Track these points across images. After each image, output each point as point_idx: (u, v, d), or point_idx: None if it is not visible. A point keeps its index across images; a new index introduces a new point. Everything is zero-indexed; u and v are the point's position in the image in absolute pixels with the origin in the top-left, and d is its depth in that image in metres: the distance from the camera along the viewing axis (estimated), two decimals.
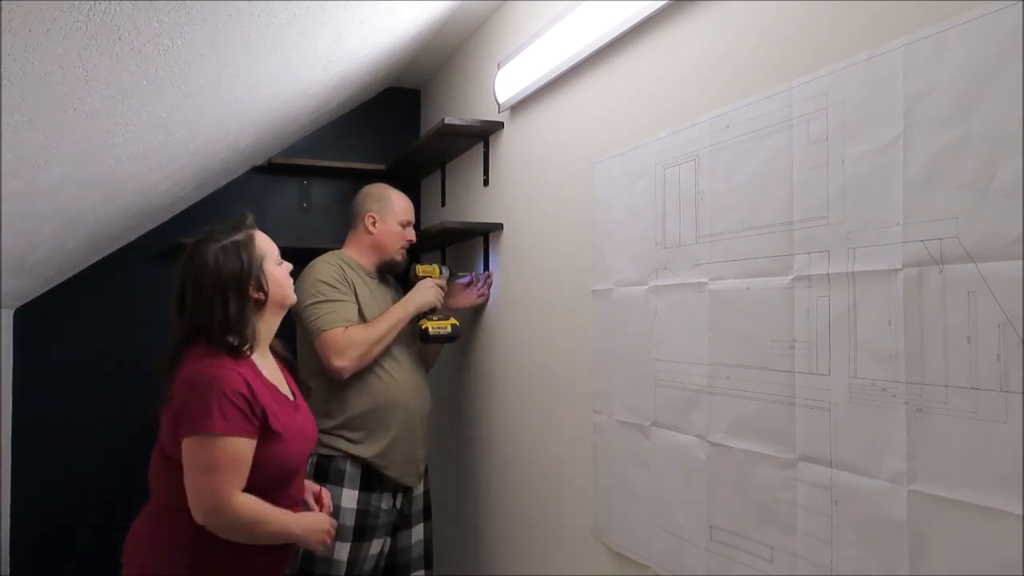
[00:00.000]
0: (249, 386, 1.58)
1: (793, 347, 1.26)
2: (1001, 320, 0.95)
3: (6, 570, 2.78)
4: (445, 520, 2.99)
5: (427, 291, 2.40)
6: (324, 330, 2.21)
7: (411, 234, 2.47)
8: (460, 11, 2.53)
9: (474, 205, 2.73)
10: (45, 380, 2.86)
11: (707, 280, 1.47)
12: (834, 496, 1.19)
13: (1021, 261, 0.93)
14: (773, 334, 1.31)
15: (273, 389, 1.67)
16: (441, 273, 2.49)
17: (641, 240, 1.68)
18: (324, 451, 2.25)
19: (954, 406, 1.01)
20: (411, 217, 2.49)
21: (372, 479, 2.28)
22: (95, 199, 2.16)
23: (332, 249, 3.08)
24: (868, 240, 1.13)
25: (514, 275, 2.40)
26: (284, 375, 1.79)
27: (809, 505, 1.23)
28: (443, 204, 3.03)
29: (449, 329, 2.45)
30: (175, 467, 1.57)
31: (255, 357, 1.68)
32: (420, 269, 2.48)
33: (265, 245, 1.72)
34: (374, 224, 2.41)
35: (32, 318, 2.85)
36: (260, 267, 1.67)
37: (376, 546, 2.30)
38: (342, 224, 3.23)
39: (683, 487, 1.54)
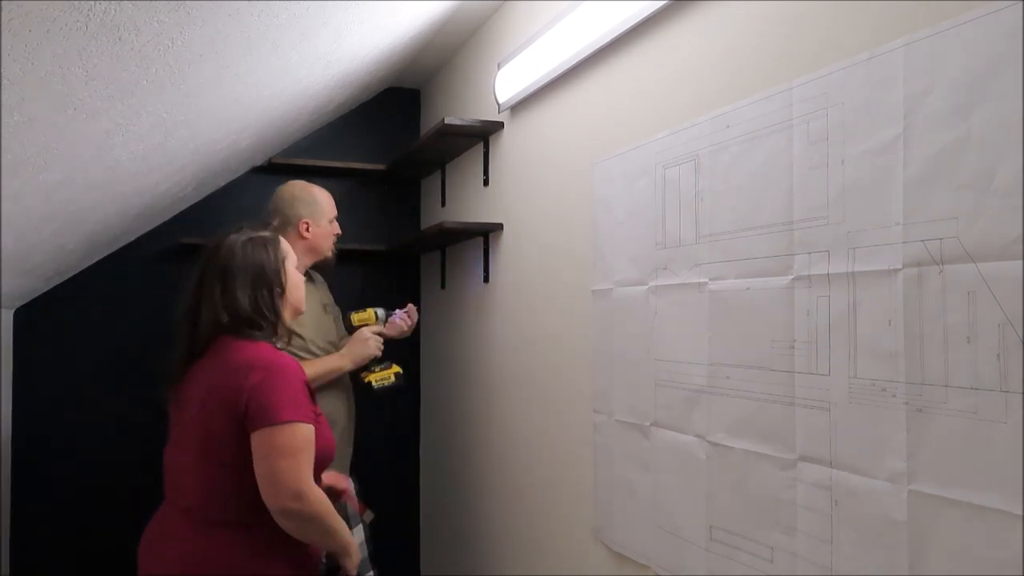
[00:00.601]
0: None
1: (793, 347, 1.26)
2: (1001, 320, 0.95)
3: (6, 570, 2.78)
4: (445, 520, 2.99)
5: (364, 344, 2.30)
6: None
7: (337, 227, 2.44)
8: (460, 11, 2.53)
9: (474, 205, 2.73)
10: (45, 380, 2.86)
11: (707, 280, 1.47)
12: (834, 496, 1.19)
13: (1021, 261, 0.93)
14: (773, 334, 1.31)
15: None
16: (377, 318, 2.39)
17: (641, 240, 1.68)
18: None
19: (954, 406, 1.01)
20: (336, 210, 2.44)
21: None
22: (95, 199, 2.16)
23: None
24: (868, 240, 1.13)
25: (514, 275, 2.40)
26: None
27: (809, 505, 1.23)
28: (443, 204, 3.03)
29: (393, 379, 2.36)
30: (233, 470, 1.50)
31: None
32: (355, 318, 2.38)
33: (287, 248, 1.73)
34: (308, 229, 2.35)
35: (32, 318, 2.85)
36: (283, 264, 1.68)
37: None
38: (342, 224, 3.24)
39: (683, 487, 1.54)
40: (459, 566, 2.85)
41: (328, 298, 2.51)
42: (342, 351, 2.32)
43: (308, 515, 1.50)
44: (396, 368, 2.38)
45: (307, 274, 2.39)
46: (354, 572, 1.64)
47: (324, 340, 2.35)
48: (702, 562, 1.48)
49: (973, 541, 0.98)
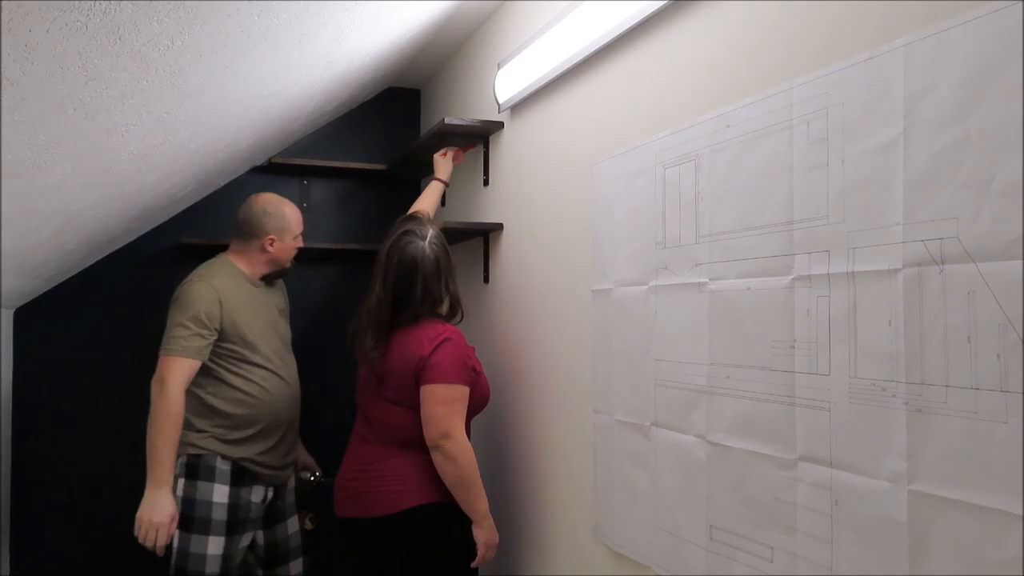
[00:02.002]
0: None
1: (793, 347, 1.26)
2: (1001, 320, 0.95)
3: (6, 570, 2.78)
4: None
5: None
6: (171, 354, 2.24)
7: (300, 241, 2.57)
8: (460, 11, 2.53)
9: (474, 205, 2.73)
10: (45, 380, 2.86)
11: (707, 280, 1.47)
12: (834, 496, 1.19)
13: (1021, 261, 0.93)
14: (773, 334, 1.31)
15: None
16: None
17: (641, 240, 1.68)
18: (194, 450, 2.31)
19: (954, 406, 1.01)
20: (302, 226, 2.57)
21: (243, 475, 2.36)
22: (95, 199, 2.16)
23: (332, 249, 3.09)
24: (868, 240, 1.13)
25: (514, 275, 2.40)
26: None
27: (809, 505, 1.23)
28: (443, 204, 3.03)
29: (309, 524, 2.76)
30: (413, 412, 2.03)
31: None
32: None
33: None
34: (272, 244, 2.47)
35: (32, 318, 2.85)
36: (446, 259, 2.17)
37: (247, 539, 2.39)
38: (342, 224, 3.25)
39: (683, 487, 1.54)
40: None
41: (284, 302, 2.64)
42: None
43: (451, 455, 1.97)
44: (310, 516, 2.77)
45: (264, 278, 2.52)
46: (482, 543, 2.04)
47: (277, 342, 2.48)
48: (702, 562, 1.48)
49: (973, 541, 0.98)
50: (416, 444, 2.03)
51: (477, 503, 2.02)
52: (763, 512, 1.33)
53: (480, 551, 2.03)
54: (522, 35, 2.31)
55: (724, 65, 1.45)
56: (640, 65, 1.72)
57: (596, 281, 1.87)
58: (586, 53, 1.89)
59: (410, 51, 2.81)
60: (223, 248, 2.54)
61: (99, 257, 2.92)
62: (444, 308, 2.14)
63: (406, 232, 2.13)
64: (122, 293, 2.95)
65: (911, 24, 1.08)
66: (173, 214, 2.99)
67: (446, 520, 2.03)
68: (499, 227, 2.48)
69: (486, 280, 2.60)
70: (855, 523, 1.15)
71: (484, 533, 2.03)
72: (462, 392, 2.02)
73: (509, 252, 2.43)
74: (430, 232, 2.13)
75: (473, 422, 2.72)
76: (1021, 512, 0.92)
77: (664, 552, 1.60)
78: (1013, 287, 0.94)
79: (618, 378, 1.77)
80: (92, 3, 1.21)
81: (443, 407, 1.98)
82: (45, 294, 2.87)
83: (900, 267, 1.08)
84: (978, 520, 0.98)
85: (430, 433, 1.98)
